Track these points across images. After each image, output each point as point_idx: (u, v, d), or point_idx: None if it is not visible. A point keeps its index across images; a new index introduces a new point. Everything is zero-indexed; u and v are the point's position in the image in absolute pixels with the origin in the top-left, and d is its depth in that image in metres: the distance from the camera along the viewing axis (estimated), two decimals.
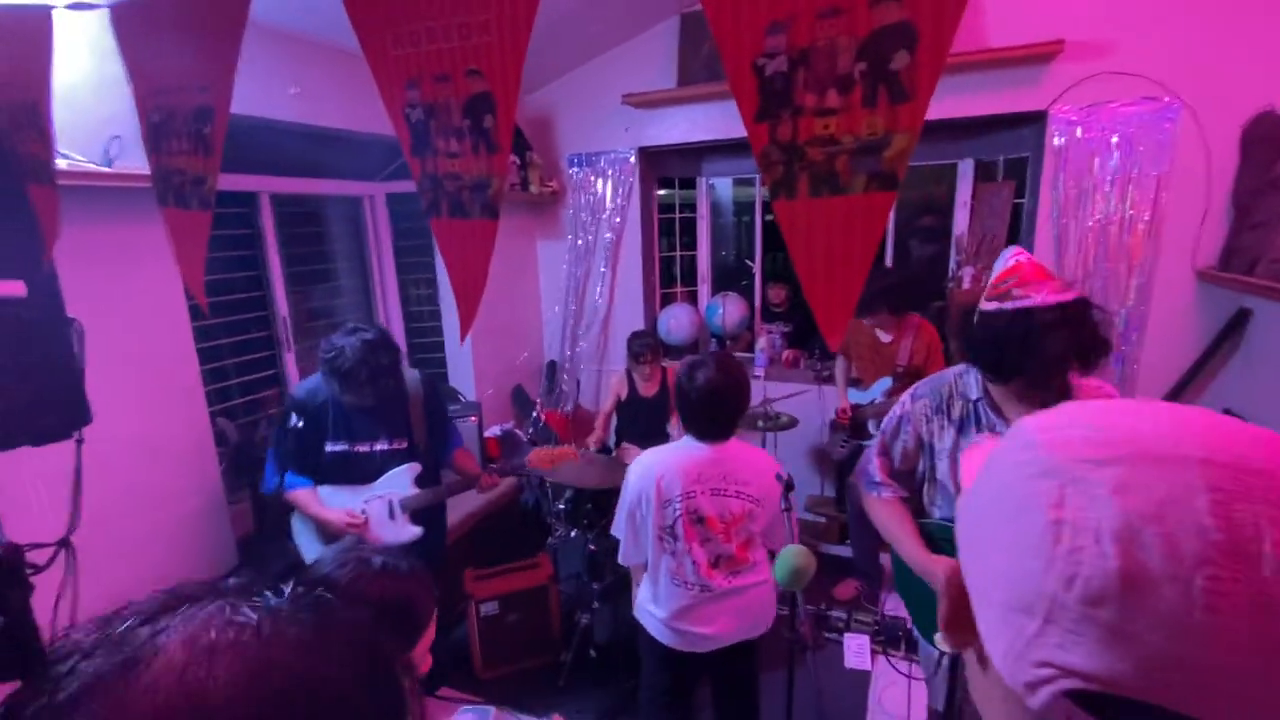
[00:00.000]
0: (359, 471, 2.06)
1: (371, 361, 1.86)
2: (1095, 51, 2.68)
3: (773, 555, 1.65)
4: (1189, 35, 2.54)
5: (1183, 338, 2.76)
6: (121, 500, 2.09)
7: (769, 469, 1.73)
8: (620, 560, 1.87)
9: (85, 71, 1.94)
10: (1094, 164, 2.74)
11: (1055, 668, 0.31)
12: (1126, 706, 0.29)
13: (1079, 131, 2.75)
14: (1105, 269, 2.79)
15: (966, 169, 3.30)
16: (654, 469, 1.70)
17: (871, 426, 2.91)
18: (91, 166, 1.91)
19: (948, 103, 2.94)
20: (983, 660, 0.38)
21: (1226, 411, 2.59)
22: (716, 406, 1.67)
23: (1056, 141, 2.79)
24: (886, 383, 2.88)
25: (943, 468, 1.49)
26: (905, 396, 1.56)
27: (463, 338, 0.79)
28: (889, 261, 3.65)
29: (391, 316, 3.60)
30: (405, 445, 2.09)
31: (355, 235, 3.47)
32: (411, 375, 2.14)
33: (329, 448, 2.02)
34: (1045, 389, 1.26)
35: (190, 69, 0.85)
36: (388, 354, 1.91)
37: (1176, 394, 2.81)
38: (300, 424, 2.00)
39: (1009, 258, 1.31)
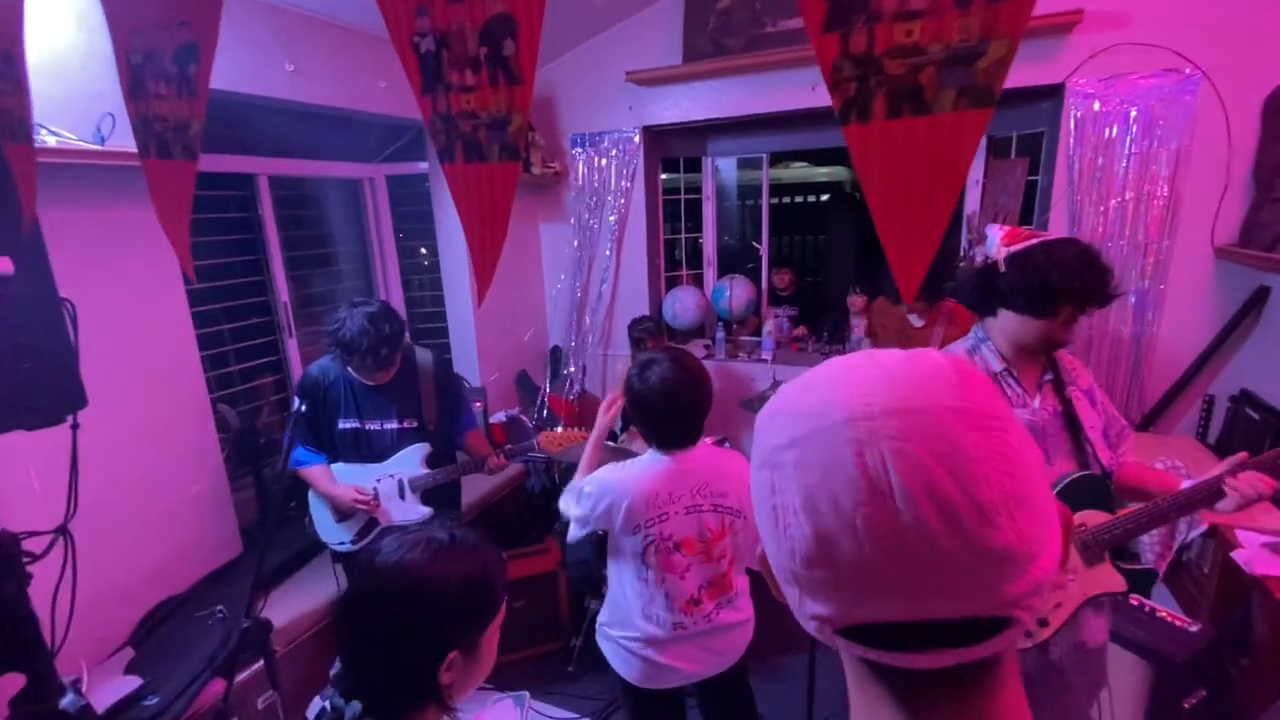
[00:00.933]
0: (371, 449, 2.08)
1: (373, 331, 1.88)
2: (1114, 21, 2.60)
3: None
4: (1209, 4, 2.47)
5: (1200, 317, 2.71)
6: (122, 487, 2.05)
7: (739, 471, 1.54)
8: (570, 540, 1.63)
9: (73, 45, 1.87)
10: (1111, 139, 2.68)
11: (817, 619, 0.38)
12: (864, 629, 0.37)
13: (1096, 105, 2.68)
14: (1122, 247, 2.73)
15: (979, 145, 3.23)
16: (616, 487, 1.48)
17: None
18: (83, 144, 1.85)
19: None
20: None
21: (1242, 392, 2.55)
22: (679, 410, 1.47)
23: (1074, 115, 2.71)
24: None
25: None
26: None
27: (480, 299, 0.73)
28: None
29: (394, 299, 3.55)
30: (416, 425, 2.10)
31: (355, 218, 3.40)
32: (424, 355, 2.16)
33: (341, 425, 2.05)
34: (1079, 314, 1.37)
35: (170, 2, 0.79)
36: (390, 324, 1.93)
37: (1193, 374, 2.76)
38: (310, 402, 2.01)
39: (998, 227, 1.46)
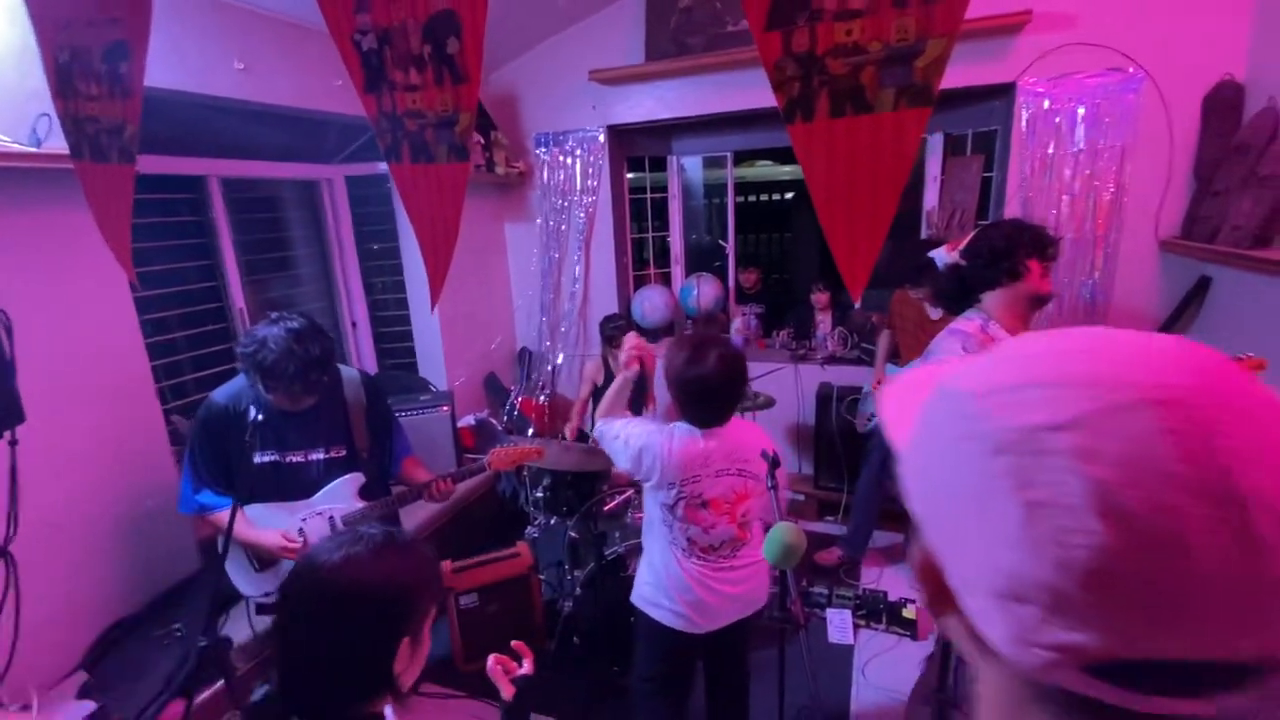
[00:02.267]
0: (294, 485, 1.83)
1: (299, 353, 1.63)
2: (1062, 22, 2.69)
3: (765, 529, 1.62)
4: (1149, 4, 2.57)
5: (1146, 307, 2.82)
6: (68, 505, 1.96)
7: (760, 444, 1.71)
8: (619, 467, 1.78)
9: (6, 43, 1.78)
10: (1060, 135, 2.76)
11: (1067, 650, 0.29)
12: (1141, 666, 0.28)
13: (1046, 103, 2.76)
14: (1072, 241, 2.82)
15: (936, 143, 3.30)
16: (660, 452, 1.65)
17: None
18: (17, 147, 1.76)
19: None
20: (978, 643, 0.35)
21: None
22: (724, 397, 1.63)
23: (1024, 113, 2.80)
24: None
25: None
26: (948, 351, 1.61)
27: (433, 303, 0.72)
28: None
29: (355, 305, 3.47)
30: (345, 453, 1.88)
31: (314, 221, 3.32)
32: (350, 375, 1.94)
33: (257, 459, 1.77)
34: (1045, 264, 1.58)
35: None
36: (319, 344, 1.68)
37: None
38: (216, 435, 1.76)
39: (945, 250, 1.78)
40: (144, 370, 2.22)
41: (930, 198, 3.37)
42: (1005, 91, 2.89)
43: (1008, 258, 1.55)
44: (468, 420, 3.53)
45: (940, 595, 0.36)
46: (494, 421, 3.65)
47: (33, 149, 1.78)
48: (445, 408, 3.14)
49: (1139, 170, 2.70)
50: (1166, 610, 0.27)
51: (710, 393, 1.60)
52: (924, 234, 3.42)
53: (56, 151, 1.76)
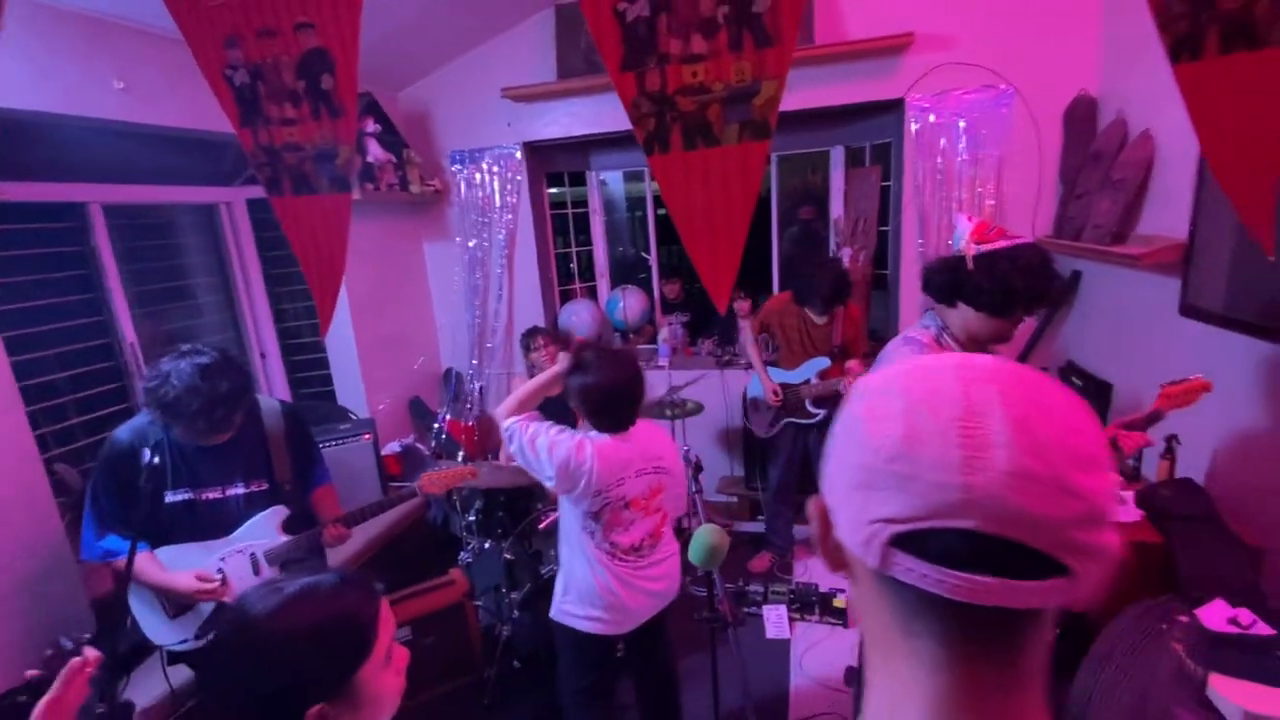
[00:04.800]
0: (211, 523, 1.74)
1: (204, 390, 1.54)
2: (941, 43, 2.92)
3: (678, 525, 1.69)
4: (1015, 27, 2.84)
5: None
6: None
7: (666, 441, 1.83)
8: (538, 477, 1.72)
9: None
10: (945, 147, 2.99)
11: (878, 521, 0.40)
12: (924, 535, 0.38)
13: (931, 117, 2.99)
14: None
15: (838, 156, 3.50)
16: (584, 461, 1.66)
17: (810, 405, 2.99)
18: None
19: (816, 92, 3.10)
20: (851, 571, 0.47)
21: (1069, 363, 2.93)
22: (625, 401, 1.69)
23: (913, 126, 3.01)
24: (821, 363, 2.96)
25: None
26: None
27: (323, 333, 0.71)
28: (774, 247, 3.80)
29: (263, 334, 3.30)
30: (266, 487, 1.80)
31: (214, 247, 3.14)
32: (270, 405, 1.87)
33: (168, 498, 1.67)
34: (1029, 315, 1.53)
35: None
36: (229, 379, 1.59)
37: (1029, 351, 3.13)
38: (121, 475, 1.64)
39: (966, 219, 1.51)
40: (18, 415, 2.03)
41: (836, 207, 3.56)
42: (895, 106, 3.11)
43: (1015, 299, 1.45)
44: (392, 447, 3.42)
45: (825, 528, 0.46)
46: (420, 447, 3.55)
47: None
48: (367, 436, 3.03)
49: (1014, 177, 2.97)
50: (933, 484, 0.38)
51: (613, 397, 1.67)
52: (833, 241, 3.61)
53: None
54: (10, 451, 1.99)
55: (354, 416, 3.27)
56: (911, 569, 0.39)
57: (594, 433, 1.73)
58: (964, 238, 1.48)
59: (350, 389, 3.44)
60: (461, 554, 2.89)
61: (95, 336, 2.53)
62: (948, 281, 1.50)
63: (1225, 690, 1.51)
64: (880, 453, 0.40)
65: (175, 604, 1.74)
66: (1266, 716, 1.43)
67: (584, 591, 1.77)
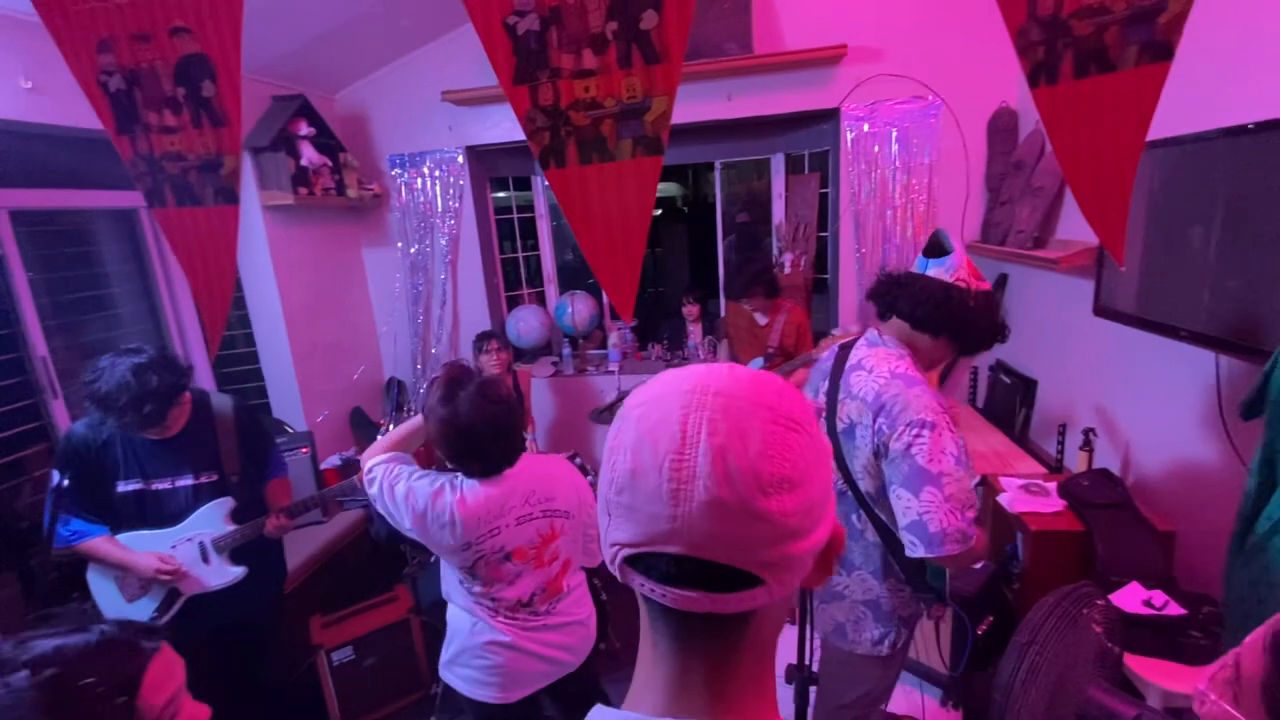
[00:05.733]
0: (160, 512, 1.82)
1: (134, 385, 1.62)
2: (872, 56, 3.03)
3: (591, 576, 1.55)
4: (940, 42, 2.97)
5: None
6: None
7: (571, 476, 1.58)
8: (398, 527, 1.48)
9: None
10: (879, 155, 3.10)
11: (615, 544, 0.45)
12: (647, 558, 0.44)
13: (865, 126, 3.09)
14: (896, 247, 3.17)
15: (779, 163, 3.58)
16: (451, 504, 1.44)
17: None
18: None
19: (756, 101, 3.17)
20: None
21: (998, 362, 3.07)
22: (491, 439, 1.42)
23: (849, 135, 3.11)
24: (757, 363, 3.04)
25: None
26: (939, 411, 1.32)
27: (211, 354, 0.68)
28: (719, 252, 3.86)
29: (190, 344, 3.14)
30: (216, 478, 1.87)
31: (134, 254, 2.97)
32: (221, 400, 1.96)
33: (120, 488, 1.78)
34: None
35: None
36: (160, 375, 1.66)
37: (953, 362, 3.26)
38: (78, 467, 1.73)
39: (961, 250, 1.44)
40: None
41: (778, 212, 3.64)
42: (832, 116, 3.20)
43: (990, 340, 1.44)
44: (332, 461, 3.30)
45: None
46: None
47: None
48: (305, 449, 2.92)
49: (944, 184, 3.10)
50: (649, 514, 0.42)
51: (472, 438, 1.39)
52: (775, 246, 3.69)
53: None
54: None
55: (290, 430, 3.14)
56: (642, 584, 0.45)
57: (460, 477, 1.47)
58: (959, 267, 1.41)
59: (286, 401, 3.30)
60: (406, 568, 2.81)
61: (3, 350, 2.36)
62: (944, 311, 1.40)
63: (1141, 669, 1.60)
64: (613, 485, 0.45)
65: (131, 588, 1.83)
66: (1179, 693, 1.53)
67: (465, 649, 1.54)
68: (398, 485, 1.45)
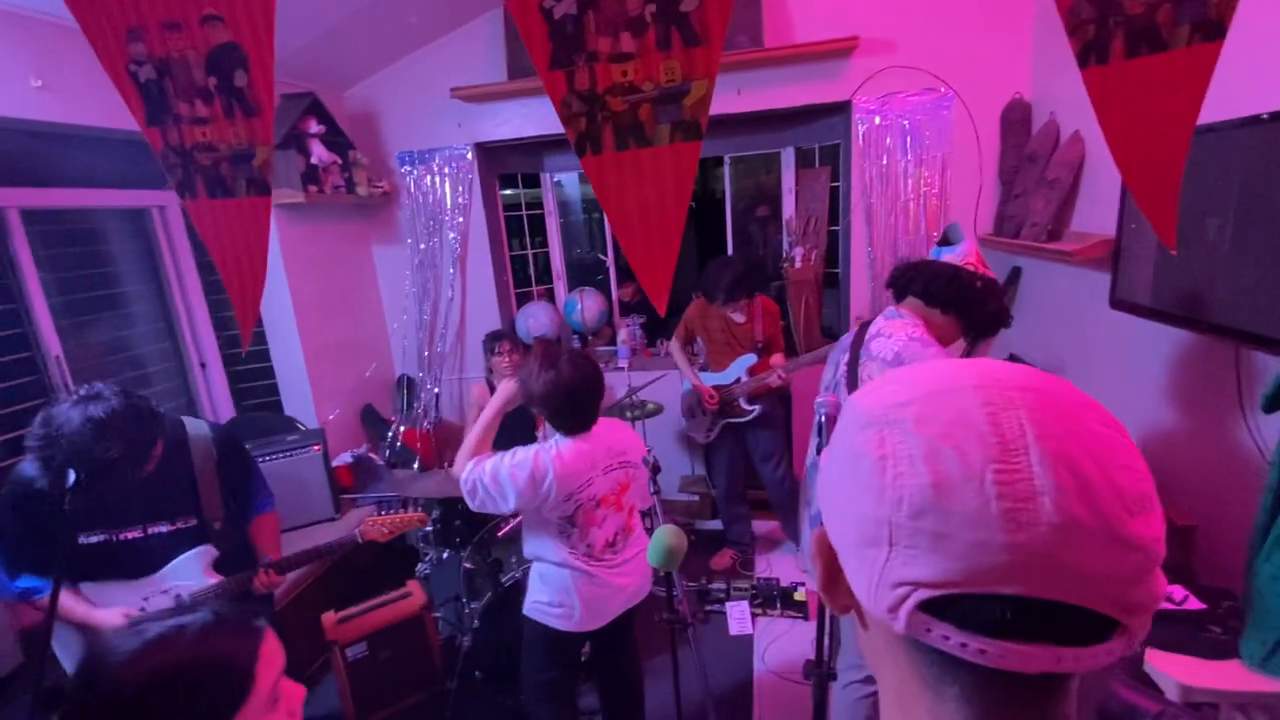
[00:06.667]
0: (132, 564, 1.61)
1: (97, 454, 1.36)
2: (884, 47, 3.00)
3: (645, 519, 1.71)
4: (953, 33, 2.94)
5: None
6: None
7: (632, 433, 1.89)
8: (501, 509, 1.70)
9: None
10: (891, 148, 3.08)
11: (905, 584, 0.35)
12: (963, 601, 0.34)
13: (877, 119, 3.06)
14: (908, 241, 3.14)
15: (789, 157, 3.56)
16: (551, 468, 1.68)
17: (744, 403, 3.03)
18: None
19: (766, 94, 3.15)
20: (861, 616, 0.43)
21: (1012, 357, 3.05)
22: (586, 397, 1.71)
23: (860, 128, 3.08)
24: (749, 359, 3.01)
25: None
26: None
27: (244, 346, 0.68)
28: (729, 247, 3.84)
29: (203, 343, 3.15)
30: (194, 523, 1.66)
31: (146, 253, 2.98)
32: (199, 432, 1.70)
33: (82, 540, 1.54)
34: None
35: None
36: (125, 438, 1.41)
37: (970, 351, 3.24)
38: (24, 516, 1.50)
39: (970, 241, 1.68)
40: None
41: (788, 207, 3.62)
42: (843, 109, 3.18)
43: (995, 324, 1.67)
44: (344, 458, 3.31)
45: (831, 570, 0.42)
46: (374, 457, 3.45)
47: None
48: (316, 447, 2.93)
49: (956, 177, 3.07)
50: (971, 543, 0.33)
51: (574, 397, 1.68)
52: (785, 241, 3.67)
53: None
54: None
55: (302, 427, 3.16)
56: (948, 636, 0.35)
57: (557, 437, 1.75)
58: (969, 254, 1.63)
59: (298, 398, 3.31)
60: (419, 565, 2.82)
61: (15, 350, 2.38)
62: (955, 292, 1.60)
63: (1161, 664, 1.58)
64: (903, 506, 0.35)
65: None
66: (1200, 688, 1.51)
67: (558, 589, 1.79)
68: (500, 473, 1.67)
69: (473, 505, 1.72)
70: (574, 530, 1.76)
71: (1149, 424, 2.18)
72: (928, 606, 0.35)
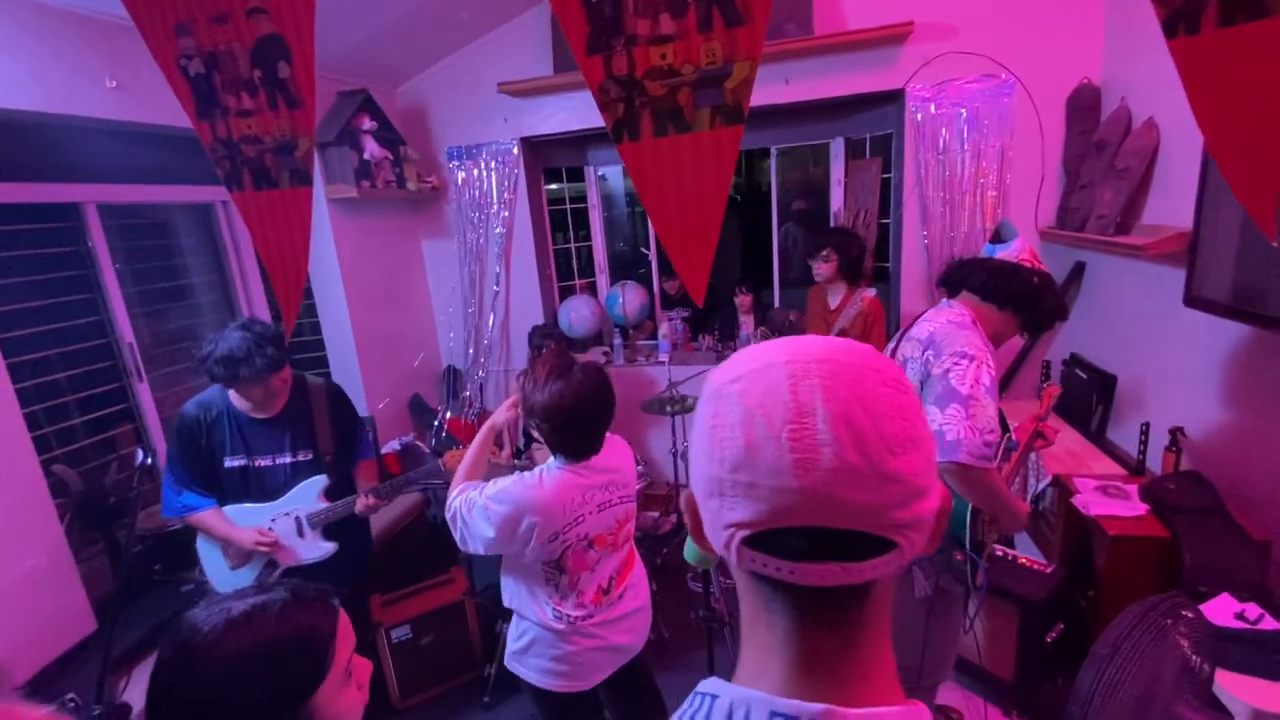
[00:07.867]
0: (262, 487, 1.95)
1: (249, 338, 1.73)
2: (941, 33, 2.88)
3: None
4: (1016, 15, 2.79)
5: None
6: None
7: (630, 459, 1.64)
8: (473, 548, 1.51)
9: None
10: (947, 137, 2.96)
11: (731, 526, 0.44)
12: (773, 535, 0.42)
13: (932, 108, 2.95)
14: (964, 234, 3.02)
15: (838, 148, 3.46)
16: (533, 506, 1.45)
17: None
18: None
19: (815, 84, 3.07)
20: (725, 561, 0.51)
21: (1072, 355, 2.90)
22: (595, 418, 1.46)
23: (915, 117, 2.97)
24: None
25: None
26: (984, 350, 1.49)
27: (287, 334, 0.69)
28: (775, 240, 3.77)
29: None
30: (311, 456, 1.98)
31: (211, 246, 3.13)
32: (316, 382, 2.06)
33: (227, 463, 1.91)
34: None
35: None
36: (263, 327, 1.79)
37: (1032, 344, 3.09)
38: (188, 443, 1.88)
39: (1022, 239, 1.66)
40: (14, 418, 2.03)
41: (836, 199, 3.53)
42: (896, 97, 3.07)
43: (1052, 320, 1.64)
44: (392, 446, 3.41)
45: (695, 522, 0.49)
46: (420, 444, 3.54)
47: None
48: (367, 434, 3.02)
49: (1017, 167, 2.93)
50: (772, 489, 0.41)
51: (582, 415, 1.42)
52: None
53: None
54: (8, 452, 1.99)
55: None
56: (765, 564, 0.43)
57: (549, 463, 1.50)
58: (1023, 250, 1.62)
59: (349, 387, 3.41)
60: (460, 553, 2.88)
61: (93, 336, 2.53)
62: (1013, 288, 1.58)
63: (1232, 687, 1.48)
64: (724, 464, 0.43)
65: (234, 557, 1.97)
66: (1274, 714, 1.41)
67: (537, 640, 1.57)
68: (474, 507, 1.46)
69: (456, 540, 1.52)
70: (562, 578, 1.51)
71: (1223, 430, 2.03)
72: (749, 542, 0.43)
